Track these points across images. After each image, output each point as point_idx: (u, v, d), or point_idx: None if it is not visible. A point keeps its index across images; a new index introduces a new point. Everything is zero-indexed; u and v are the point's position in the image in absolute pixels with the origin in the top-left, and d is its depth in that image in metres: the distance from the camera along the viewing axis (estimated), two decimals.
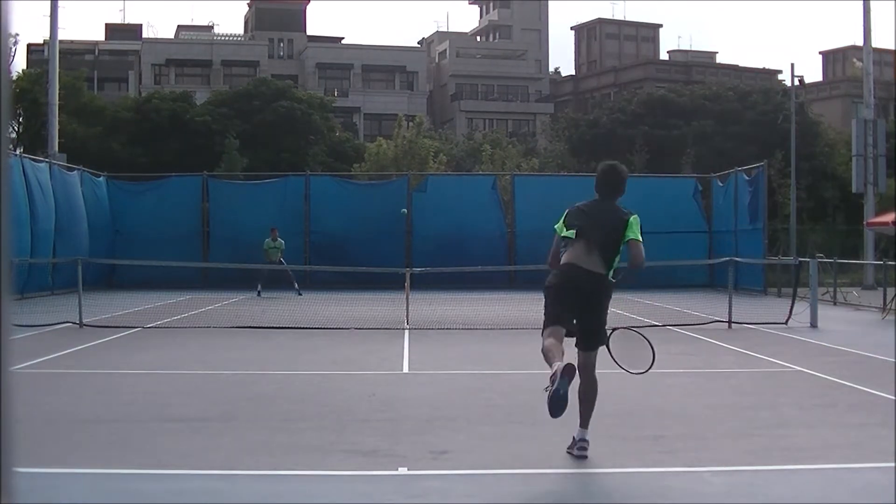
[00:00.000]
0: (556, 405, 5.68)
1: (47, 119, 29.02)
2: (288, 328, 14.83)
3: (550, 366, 5.85)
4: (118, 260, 25.72)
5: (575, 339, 6.23)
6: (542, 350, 6.06)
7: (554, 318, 6.19)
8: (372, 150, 41.03)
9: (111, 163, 34.31)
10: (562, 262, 6.28)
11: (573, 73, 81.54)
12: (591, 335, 6.22)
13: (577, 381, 6.01)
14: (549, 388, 5.71)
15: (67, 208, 24.98)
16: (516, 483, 5.61)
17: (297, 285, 23.62)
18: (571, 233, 6.26)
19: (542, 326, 6.24)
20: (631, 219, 6.32)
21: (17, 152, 25.95)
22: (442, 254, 25.95)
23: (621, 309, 18.63)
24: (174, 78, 63.02)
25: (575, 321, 6.23)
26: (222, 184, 30.47)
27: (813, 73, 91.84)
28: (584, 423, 6.16)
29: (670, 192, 29.64)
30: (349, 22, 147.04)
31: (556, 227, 6.39)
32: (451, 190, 30.14)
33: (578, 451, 6.09)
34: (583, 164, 45.33)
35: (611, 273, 6.22)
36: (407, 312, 15.68)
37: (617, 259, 6.26)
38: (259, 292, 23.05)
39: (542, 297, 6.34)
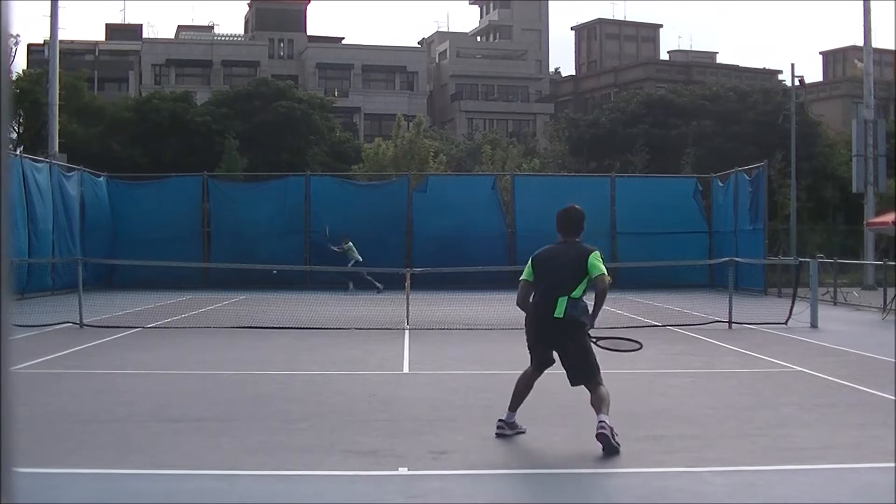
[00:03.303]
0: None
1: (48, 119, 29.01)
2: (288, 328, 14.83)
3: (511, 406, 6.72)
4: (118, 260, 25.72)
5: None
6: (517, 385, 6.83)
7: (533, 359, 6.87)
8: (369, 152, 40.97)
9: (111, 163, 34.26)
10: (529, 306, 6.81)
11: (573, 73, 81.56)
12: (574, 371, 6.61)
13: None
14: (501, 427, 6.69)
15: (66, 209, 24.99)
16: (516, 483, 5.61)
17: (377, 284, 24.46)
18: (529, 274, 6.86)
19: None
20: (591, 255, 6.68)
21: (17, 152, 25.94)
22: (442, 254, 25.93)
23: (622, 309, 18.64)
24: (174, 78, 62.99)
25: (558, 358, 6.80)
26: (222, 184, 30.44)
27: (813, 73, 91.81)
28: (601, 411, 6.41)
29: (670, 192, 29.65)
30: (349, 22, 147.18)
31: (523, 276, 6.93)
32: (451, 190, 30.11)
33: (599, 429, 6.18)
34: (583, 164, 45.27)
35: (572, 308, 6.60)
36: (407, 312, 15.67)
37: (580, 290, 6.64)
38: (378, 289, 24.11)
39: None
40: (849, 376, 9.89)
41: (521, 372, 6.89)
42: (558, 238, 6.93)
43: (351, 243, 25.79)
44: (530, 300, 6.80)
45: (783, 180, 34.05)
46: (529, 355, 6.88)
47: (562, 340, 6.58)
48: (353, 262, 25.32)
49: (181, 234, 27.60)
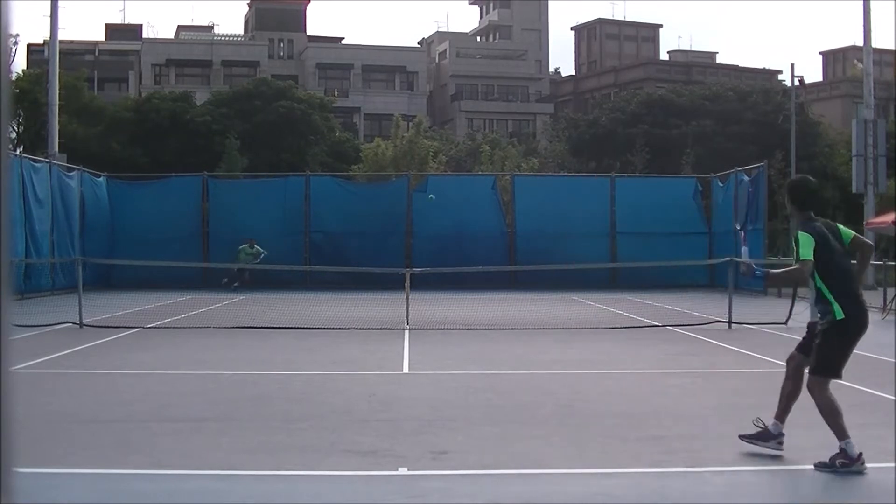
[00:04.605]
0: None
1: (47, 119, 29.01)
2: (288, 328, 14.82)
3: (844, 432, 5.88)
4: (117, 260, 25.68)
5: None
6: (830, 407, 6.01)
7: (840, 368, 6.27)
8: (368, 152, 40.95)
9: (111, 163, 34.28)
10: (854, 301, 6.21)
11: (573, 73, 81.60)
12: None
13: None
14: (846, 462, 5.74)
15: (66, 209, 24.98)
16: (516, 483, 5.61)
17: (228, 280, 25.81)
18: (811, 254, 6.04)
19: (824, 373, 6.19)
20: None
21: (17, 152, 25.93)
22: (442, 254, 25.93)
23: (621, 309, 18.64)
24: (174, 78, 62.99)
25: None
26: (222, 184, 30.45)
27: (813, 73, 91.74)
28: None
29: (670, 192, 29.63)
30: (349, 22, 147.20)
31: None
32: (451, 190, 30.09)
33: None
34: (583, 164, 45.30)
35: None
36: (407, 312, 15.67)
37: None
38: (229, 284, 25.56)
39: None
40: (849, 376, 9.83)
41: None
42: (799, 214, 6.39)
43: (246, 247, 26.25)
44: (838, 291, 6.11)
45: (783, 180, 34.02)
46: (831, 359, 6.23)
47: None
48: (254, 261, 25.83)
49: (181, 234, 27.59)
